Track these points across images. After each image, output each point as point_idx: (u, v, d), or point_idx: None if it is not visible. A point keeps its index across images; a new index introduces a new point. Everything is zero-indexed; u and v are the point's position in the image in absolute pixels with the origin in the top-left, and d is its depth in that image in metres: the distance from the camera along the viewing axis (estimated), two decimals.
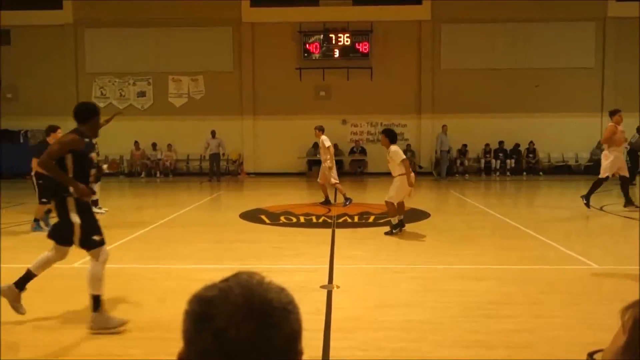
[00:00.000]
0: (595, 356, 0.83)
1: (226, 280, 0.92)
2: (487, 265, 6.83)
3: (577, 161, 20.46)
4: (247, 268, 0.97)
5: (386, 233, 8.69)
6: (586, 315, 4.88)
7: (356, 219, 10.27)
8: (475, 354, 4.10)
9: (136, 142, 20.39)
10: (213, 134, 18.85)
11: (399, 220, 8.75)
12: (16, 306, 4.66)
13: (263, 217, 10.64)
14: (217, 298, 0.88)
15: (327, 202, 12.13)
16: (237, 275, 0.93)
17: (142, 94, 20.99)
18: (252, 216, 10.69)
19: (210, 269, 6.36)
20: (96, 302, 4.50)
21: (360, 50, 20.34)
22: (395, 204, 8.68)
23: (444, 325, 4.67)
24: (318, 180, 12.31)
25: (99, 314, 4.49)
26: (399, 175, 8.63)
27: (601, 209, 11.55)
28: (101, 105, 20.56)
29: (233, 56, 20.75)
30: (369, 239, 8.50)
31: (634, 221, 9.88)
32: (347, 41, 20.29)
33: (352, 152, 20.50)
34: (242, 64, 20.69)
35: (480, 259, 7.15)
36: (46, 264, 4.78)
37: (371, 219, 10.19)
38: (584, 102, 20.10)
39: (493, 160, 20.16)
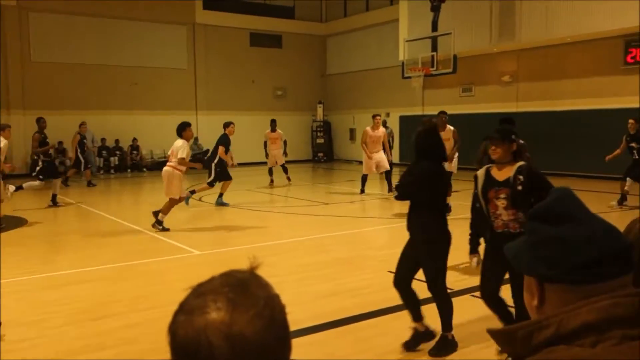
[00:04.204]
0: None
1: None
2: (90, 267, 6.57)
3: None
4: None
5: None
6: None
7: None
8: None
9: None
10: None
11: None
12: None
13: None
14: None
15: None
16: None
17: None
18: None
19: None
20: None
21: None
22: None
23: (48, 339, 4.29)
24: None
25: None
26: None
27: (200, 199, 12.50)
28: None
29: None
30: None
31: (222, 209, 11.02)
32: None
33: None
34: None
35: (83, 262, 6.83)
36: None
37: None
38: (181, 101, 21.39)
39: (97, 158, 19.56)
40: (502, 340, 0.99)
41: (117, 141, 20.09)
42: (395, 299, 5.09)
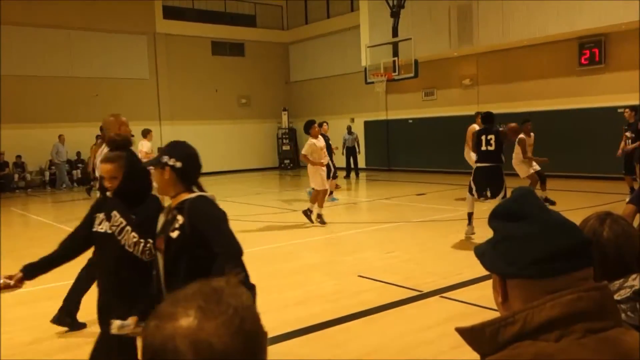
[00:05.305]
0: None
1: None
2: (59, 282, 6.40)
3: None
4: None
5: None
6: None
7: None
8: None
9: None
10: None
11: None
12: None
13: None
14: None
15: None
16: None
17: None
18: None
19: None
20: None
21: None
22: None
23: (15, 358, 4.19)
24: None
25: None
26: None
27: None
28: None
29: None
30: None
31: None
32: None
33: None
34: None
35: (52, 277, 6.64)
36: None
37: None
38: (144, 111, 21.06)
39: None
40: (471, 339, 1.02)
41: (78, 154, 19.69)
42: (366, 303, 5.14)
